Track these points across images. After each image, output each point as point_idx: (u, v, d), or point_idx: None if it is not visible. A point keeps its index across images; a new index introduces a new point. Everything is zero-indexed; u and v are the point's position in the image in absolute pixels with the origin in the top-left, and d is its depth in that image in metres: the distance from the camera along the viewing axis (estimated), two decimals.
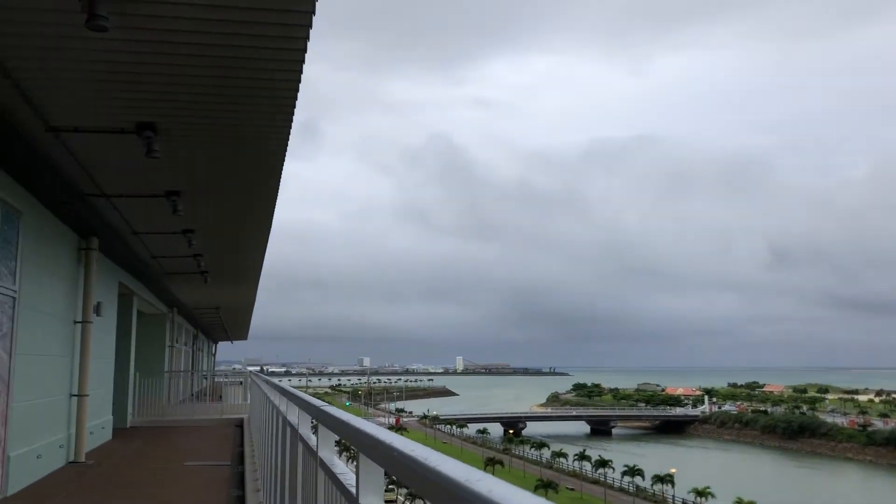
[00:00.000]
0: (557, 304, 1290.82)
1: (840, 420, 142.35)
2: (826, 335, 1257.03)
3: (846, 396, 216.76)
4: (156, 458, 15.73)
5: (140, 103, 8.34)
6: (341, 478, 2.73)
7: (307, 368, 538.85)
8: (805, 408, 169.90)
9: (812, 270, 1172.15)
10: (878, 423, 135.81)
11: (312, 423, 3.92)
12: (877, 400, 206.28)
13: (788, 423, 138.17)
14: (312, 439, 3.69)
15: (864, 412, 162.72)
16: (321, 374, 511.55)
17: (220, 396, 25.93)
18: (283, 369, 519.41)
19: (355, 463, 2.29)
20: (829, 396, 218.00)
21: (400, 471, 1.64)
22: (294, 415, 4.96)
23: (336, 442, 3.25)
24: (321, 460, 3.23)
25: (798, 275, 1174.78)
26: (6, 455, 10.78)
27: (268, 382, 9.69)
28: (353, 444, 2.34)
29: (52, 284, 13.08)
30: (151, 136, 9.05)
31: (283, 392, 6.16)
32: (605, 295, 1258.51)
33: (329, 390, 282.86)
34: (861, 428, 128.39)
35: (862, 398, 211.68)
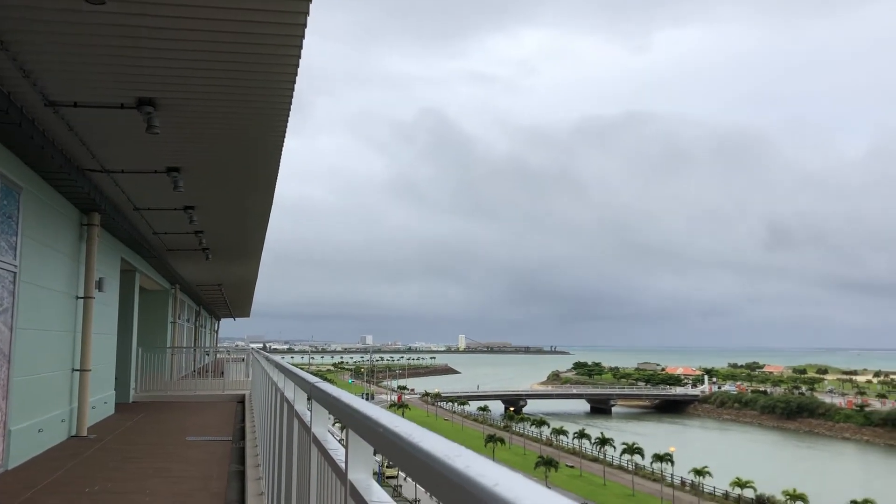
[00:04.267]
0: (558, 284, 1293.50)
1: (838, 400, 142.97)
2: (826, 316, 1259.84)
3: (845, 377, 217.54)
4: (158, 433, 15.85)
5: (140, 78, 8.31)
6: (332, 454, 2.75)
7: (310, 346, 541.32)
8: (804, 388, 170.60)
9: (811, 251, 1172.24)
10: (876, 404, 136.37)
11: (308, 399, 3.95)
12: (875, 381, 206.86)
13: (787, 404, 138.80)
14: (307, 415, 3.72)
15: (862, 393, 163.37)
16: (324, 351, 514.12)
17: (222, 373, 26.07)
18: (286, 347, 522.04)
19: (345, 438, 2.31)
20: (828, 377, 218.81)
21: (385, 446, 1.65)
22: (291, 391, 4.99)
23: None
24: (314, 436, 3.26)
25: (797, 255, 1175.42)
26: (7, 429, 10.87)
27: (267, 359, 9.74)
28: (343, 420, 2.36)
29: (54, 260, 13.10)
30: (152, 111, 9.03)
31: (281, 368, 6.19)
32: (605, 274, 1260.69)
33: (332, 368, 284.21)
34: (859, 408, 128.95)
35: (860, 379, 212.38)
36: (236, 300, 43.63)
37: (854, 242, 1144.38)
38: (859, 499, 55.48)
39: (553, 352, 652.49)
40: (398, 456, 1.47)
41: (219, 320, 62.98)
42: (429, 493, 1.18)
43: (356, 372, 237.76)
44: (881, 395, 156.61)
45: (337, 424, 2.88)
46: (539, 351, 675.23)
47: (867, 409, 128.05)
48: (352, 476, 2.23)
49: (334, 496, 2.62)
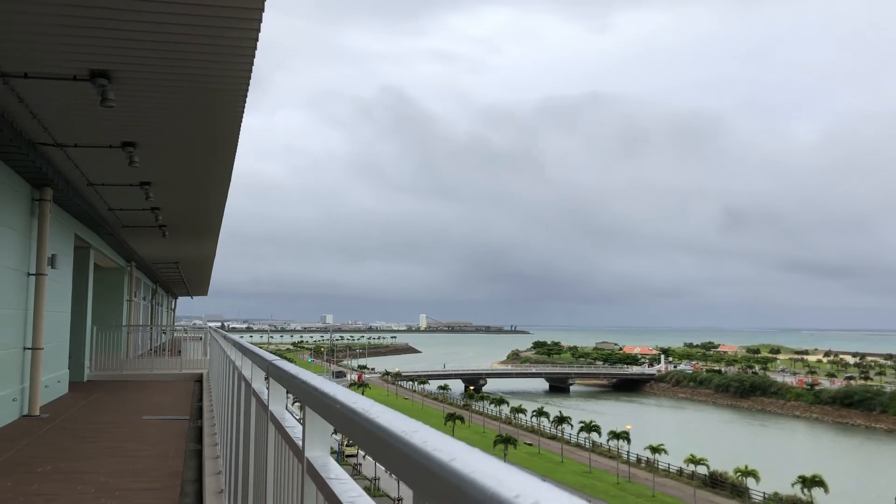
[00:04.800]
0: (519, 264, 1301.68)
1: (790, 380, 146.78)
2: (779, 297, 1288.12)
3: (796, 357, 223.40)
4: (113, 412, 15.63)
5: (93, 49, 8.09)
6: (290, 431, 2.73)
7: (269, 325, 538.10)
8: (757, 368, 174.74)
9: (766, 233, 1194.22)
10: (826, 383, 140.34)
11: (266, 377, 3.91)
12: (825, 360, 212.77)
13: (741, 383, 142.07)
14: (265, 393, 3.68)
15: (812, 372, 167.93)
16: (283, 330, 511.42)
17: (180, 351, 25.77)
18: (245, 326, 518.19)
19: (302, 416, 2.29)
20: (781, 357, 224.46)
21: (342, 423, 1.64)
22: (248, 369, 4.94)
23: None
24: (272, 414, 3.23)
25: (752, 237, 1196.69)
26: None
27: (225, 338, 9.64)
28: (300, 397, 2.34)
29: (3, 236, 12.77)
30: (106, 84, 8.81)
31: (238, 346, 6.14)
32: (565, 254, 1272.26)
33: (291, 347, 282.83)
34: (809, 387, 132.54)
35: (811, 359, 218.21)
36: (194, 278, 43.09)
37: (808, 225, 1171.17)
38: (808, 474, 57.10)
39: (513, 331, 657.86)
40: (356, 432, 1.46)
41: (176, 298, 62.15)
42: (387, 471, 1.23)
43: (316, 351, 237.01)
44: (830, 375, 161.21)
45: (297, 404, 2.87)
46: (499, 330, 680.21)
47: (817, 388, 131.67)
48: (309, 454, 2.21)
49: (291, 474, 2.60)
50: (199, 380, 21.87)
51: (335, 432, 2.19)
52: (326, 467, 2.09)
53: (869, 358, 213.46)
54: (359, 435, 1.43)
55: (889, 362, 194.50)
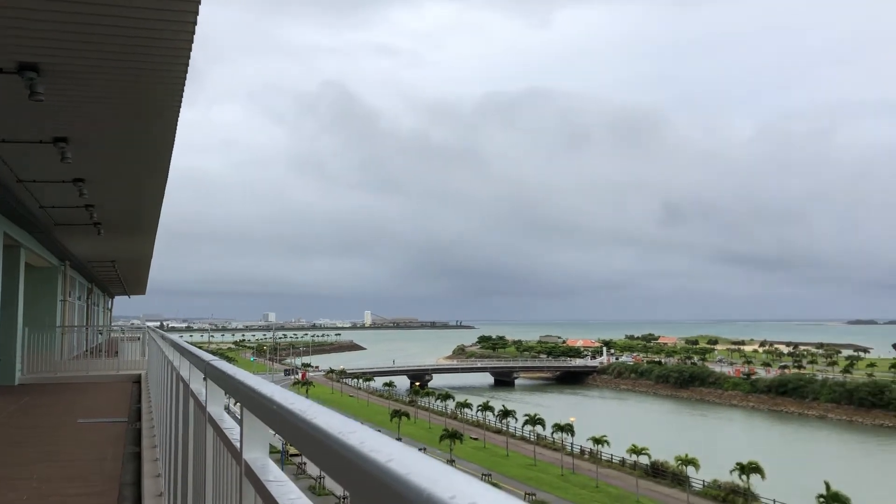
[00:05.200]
0: (463, 259, 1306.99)
1: (727, 369, 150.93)
2: (716, 289, 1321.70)
3: (733, 347, 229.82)
4: (46, 416, 15.15)
5: (21, 41, 7.80)
6: (228, 433, 2.67)
7: (210, 324, 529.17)
8: (696, 358, 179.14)
9: (703, 226, 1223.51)
10: (761, 372, 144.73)
11: (204, 378, 3.84)
12: (760, 350, 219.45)
13: (680, 373, 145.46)
14: (203, 394, 3.61)
15: (748, 362, 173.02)
16: (225, 329, 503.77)
17: (117, 352, 25.12)
18: (185, 325, 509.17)
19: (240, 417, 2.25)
20: (718, 347, 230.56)
21: (279, 424, 1.60)
22: (186, 370, 4.84)
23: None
24: (210, 415, 3.17)
25: (690, 230, 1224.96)
26: None
27: (163, 338, 9.43)
28: (237, 398, 2.29)
29: None
30: (35, 77, 8.51)
31: (176, 347, 6.00)
32: (509, 249, 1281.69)
33: (233, 346, 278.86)
34: (746, 376, 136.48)
35: (747, 349, 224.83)
36: (131, 277, 42.05)
37: (743, 218, 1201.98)
38: (745, 461, 58.74)
39: (459, 326, 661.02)
40: (292, 434, 1.44)
41: (113, 298, 60.60)
42: (322, 472, 1.20)
43: (258, 350, 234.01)
44: (766, 364, 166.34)
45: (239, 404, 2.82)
46: (445, 326, 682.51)
47: (753, 377, 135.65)
48: (247, 455, 2.17)
49: (230, 476, 2.55)
50: (137, 381, 21.37)
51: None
52: (265, 469, 2.06)
53: (802, 347, 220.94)
54: (296, 436, 1.41)
55: (820, 351, 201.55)
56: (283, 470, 2.15)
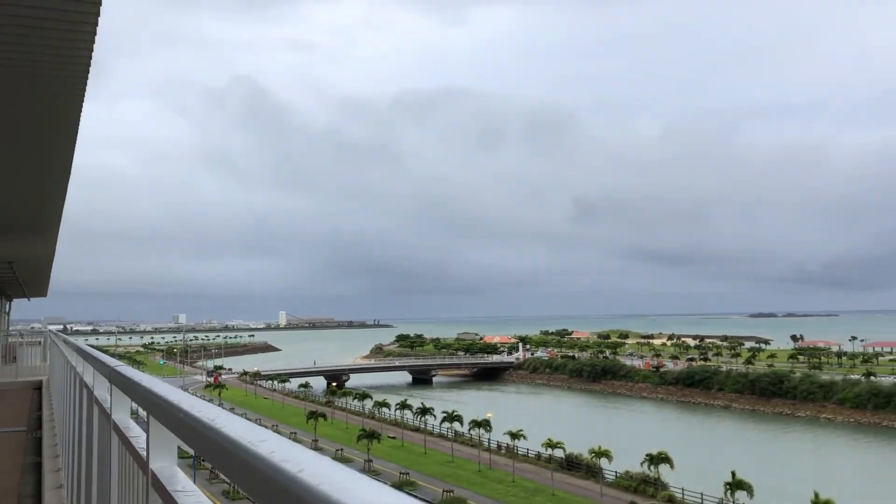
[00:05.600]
0: (380, 257, 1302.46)
1: (637, 363, 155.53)
2: (627, 284, 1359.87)
3: (643, 341, 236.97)
4: None
5: None
6: (134, 441, 2.56)
7: (117, 326, 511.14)
8: (608, 352, 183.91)
9: (614, 224, 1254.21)
10: (670, 365, 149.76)
11: (109, 384, 3.67)
12: (669, 343, 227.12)
13: (593, 367, 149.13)
14: (108, 401, 3.45)
15: (658, 355, 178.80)
16: (133, 332, 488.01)
17: (15, 358, 23.92)
18: (90, 328, 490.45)
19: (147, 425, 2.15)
20: (629, 341, 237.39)
21: (186, 433, 1.53)
22: (90, 375, 4.62)
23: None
24: (115, 423, 3.03)
25: (602, 228, 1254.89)
26: None
27: (66, 342, 9.02)
28: (143, 405, 2.19)
29: None
30: None
31: (79, 351, 5.74)
32: (426, 247, 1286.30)
33: (142, 349, 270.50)
34: (655, 369, 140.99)
35: (656, 342, 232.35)
36: (31, 279, 40.07)
37: (652, 216, 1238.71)
38: (655, 452, 60.60)
39: (376, 325, 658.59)
40: (200, 443, 1.38)
41: (10, 301, 57.66)
42: (231, 484, 1.17)
43: (168, 352, 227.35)
44: (674, 357, 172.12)
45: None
46: (363, 325, 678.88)
47: (662, 369, 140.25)
48: (154, 465, 2.08)
49: (136, 486, 2.44)
50: (38, 387, 20.41)
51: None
52: (173, 479, 1.97)
53: (707, 340, 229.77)
54: (204, 446, 1.37)
55: (725, 343, 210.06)
56: (195, 474, 2.07)
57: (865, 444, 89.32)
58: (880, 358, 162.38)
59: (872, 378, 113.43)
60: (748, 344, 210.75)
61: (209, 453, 1.30)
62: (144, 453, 2.23)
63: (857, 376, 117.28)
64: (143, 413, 3.56)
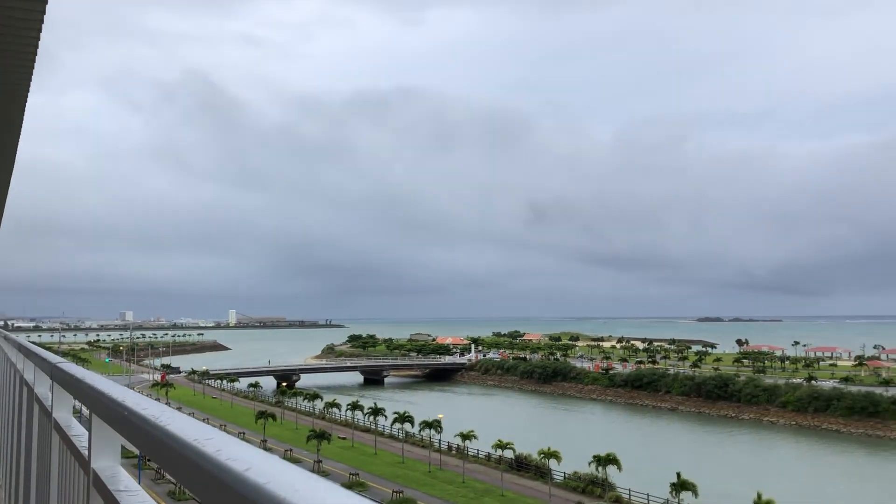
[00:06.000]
0: (333, 257, 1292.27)
1: (587, 365, 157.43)
2: (578, 287, 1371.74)
3: (593, 343, 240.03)
4: None
5: None
6: (75, 440, 2.49)
7: (61, 323, 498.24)
8: (559, 354, 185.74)
9: (566, 227, 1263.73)
10: (619, 367, 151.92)
11: (51, 381, 3.57)
12: (618, 346, 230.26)
13: (544, 369, 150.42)
14: (49, 399, 3.36)
15: (607, 357, 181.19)
16: (78, 329, 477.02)
17: None
18: (33, 324, 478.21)
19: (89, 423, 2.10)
20: (580, 344, 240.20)
21: (130, 431, 1.50)
22: (31, 373, 4.49)
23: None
24: (56, 422, 2.95)
25: (554, 231, 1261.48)
26: None
27: (6, 338, 8.75)
28: (85, 402, 2.14)
29: None
30: None
31: (19, 348, 5.57)
32: (380, 247, 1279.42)
33: (87, 347, 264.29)
34: (604, 371, 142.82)
35: (606, 345, 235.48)
36: None
37: (601, 220, 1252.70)
38: (603, 453, 61.35)
39: (328, 325, 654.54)
40: (144, 441, 1.36)
41: None
42: (177, 484, 1.15)
43: (114, 350, 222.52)
44: (623, 360, 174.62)
45: None
46: (314, 325, 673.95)
47: (611, 372, 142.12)
48: (96, 464, 2.03)
49: (77, 487, 2.38)
50: None
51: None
52: (115, 479, 1.92)
53: (655, 343, 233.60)
54: (148, 444, 1.34)
55: (672, 347, 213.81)
56: (140, 474, 2.03)
57: (806, 445, 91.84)
58: (821, 363, 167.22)
59: (813, 382, 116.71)
60: (695, 347, 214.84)
61: (154, 452, 1.28)
62: (86, 452, 2.17)
63: (798, 380, 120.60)
64: (87, 412, 3.49)
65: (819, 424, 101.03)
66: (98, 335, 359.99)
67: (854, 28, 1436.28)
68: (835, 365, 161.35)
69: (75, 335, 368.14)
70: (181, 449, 1.07)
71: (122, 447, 2.15)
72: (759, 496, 49.36)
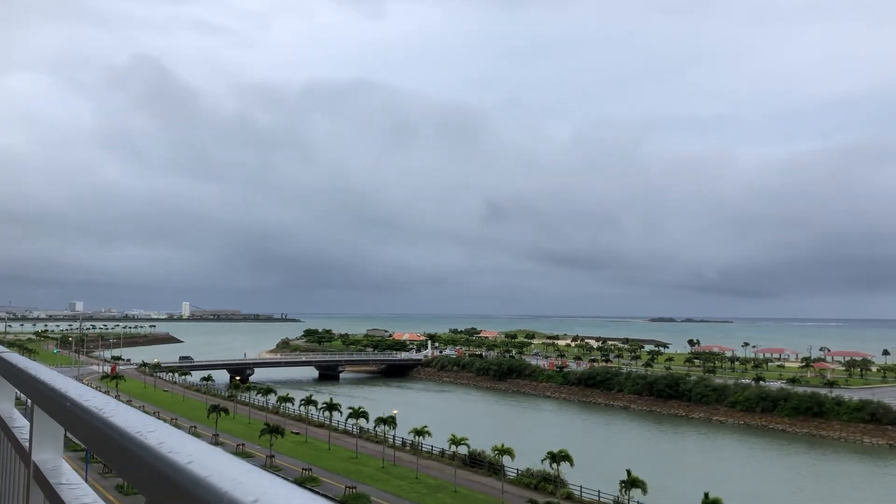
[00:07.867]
0: (289, 251, 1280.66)
1: (542, 363, 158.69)
2: (534, 286, 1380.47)
3: (548, 341, 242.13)
4: None
5: None
6: (16, 432, 2.41)
7: (6, 313, 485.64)
8: (514, 352, 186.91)
9: (523, 226, 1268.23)
10: (573, 365, 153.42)
11: None
12: (573, 344, 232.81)
13: (499, 366, 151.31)
14: None
15: (562, 355, 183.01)
16: (25, 319, 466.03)
17: None
18: None
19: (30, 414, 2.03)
20: (535, 341, 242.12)
21: (73, 423, 1.44)
22: None
23: None
24: None
25: (511, 229, 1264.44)
26: None
27: None
28: (28, 393, 2.07)
29: None
30: None
31: None
32: (337, 242, 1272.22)
33: (34, 337, 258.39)
34: (559, 369, 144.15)
35: (561, 343, 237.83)
36: None
37: (558, 220, 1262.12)
38: (556, 450, 61.90)
39: (284, 319, 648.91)
40: (86, 433, 1.34)
41: None
42: (119, 476, 1.14)
43: (63, 341, 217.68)
44: (577, 358, 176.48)
45: None
46: (269, 319, 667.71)
47: (566, 370, 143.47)
48: (37, 457, 1.96)
49: (17, 480, 2.30)
50: None
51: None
52: (57, 472, 1.86)
53: (609, 342, 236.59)
54: (90, 436, 1.31)
55: (626, 346, 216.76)
56: (87, 467, 1.96)
57: (754, 444, 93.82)
58: (769, 364, 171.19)
59: (761, 382, 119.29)
60: (648, 347, 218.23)
61: (96, 444, 1.24)
62: (27, 444, 2.10)
63: (747, 381, 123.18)
64: (30, 403, 3.38)
65: (766, 424, 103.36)
66: (46, 325, 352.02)
67: (811, 36, 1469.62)
68: (782, 366, 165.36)
69: (22, 325, 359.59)
70: (123, 441, 1.05)
71: (69, 440, 2.08)
72: (707, 496, 50.23)
